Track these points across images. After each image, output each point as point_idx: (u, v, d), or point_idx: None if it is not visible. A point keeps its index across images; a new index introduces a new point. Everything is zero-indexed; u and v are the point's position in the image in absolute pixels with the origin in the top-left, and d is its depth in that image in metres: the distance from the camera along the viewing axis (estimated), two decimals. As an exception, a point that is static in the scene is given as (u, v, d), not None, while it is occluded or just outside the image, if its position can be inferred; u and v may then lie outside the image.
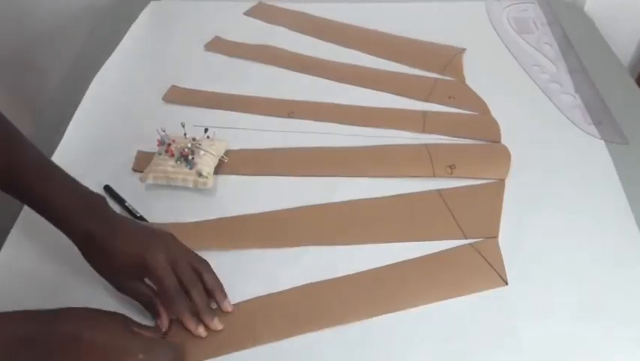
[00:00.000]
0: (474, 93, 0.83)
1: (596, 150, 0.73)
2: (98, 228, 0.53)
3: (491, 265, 0.60)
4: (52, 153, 0.73)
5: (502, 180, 0.69)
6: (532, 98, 0.82)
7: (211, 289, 0.55)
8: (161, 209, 0.67)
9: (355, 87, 0.85)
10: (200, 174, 0.68)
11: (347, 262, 0.61)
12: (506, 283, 0.58)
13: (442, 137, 0.76)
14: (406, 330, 0.55)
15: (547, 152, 0.73)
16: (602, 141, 0.74)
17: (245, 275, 0.60)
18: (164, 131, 0.71)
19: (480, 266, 0.60)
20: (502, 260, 0.60)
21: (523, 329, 0.54)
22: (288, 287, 0.58)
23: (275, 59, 0.91)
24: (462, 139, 0.75)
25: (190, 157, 0.68)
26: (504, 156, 0.72)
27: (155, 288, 0.55)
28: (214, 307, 0.56)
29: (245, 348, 0.53)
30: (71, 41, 1.01)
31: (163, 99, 0.83)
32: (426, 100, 0.82)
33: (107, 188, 0.68)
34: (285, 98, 0.83)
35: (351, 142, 0.75)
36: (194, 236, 0.62)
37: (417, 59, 0.90)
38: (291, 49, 0.93)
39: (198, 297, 0.54)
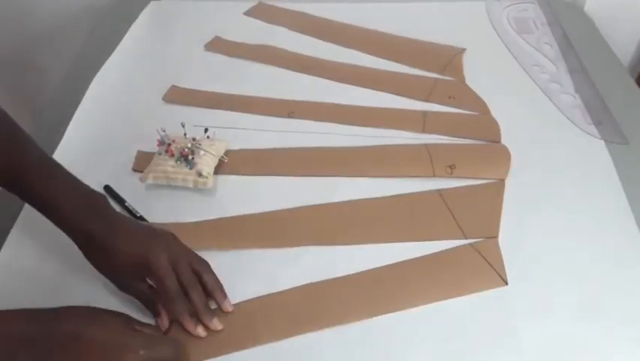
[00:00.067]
0: (474, 93, 0.83)
1: (596, 150, 0.73)
2: (98, 227, 0.53)
3: (491, 265, 0.60)
4: (52, 153, 0.73)
5: (502, 180, 0.69)
6: (532, 98, 0.82)
7: (211, 290, 0.55)
8: (161, 209, 0.67)
9: (355, 87, 0.85)
10: (200, 174, 0.68)
11: (347, 262, 0.61)
12: (506, 283, 0.58)
13: (442, 137, 0.76)
14: (406, 330, 0.55)
15: (547, 152, 0.73)
16: (602, 141, 0.74)
17: (245, 275, 0.60)
18: (164, 131, 0.71)
19: (480, 266, 0.60)
20: (502, 260, 0.60)
21: (523, 329, 0.54)
22: (288, 287, 0.58)
23: (275, 59, 0.91)
24: (462, 139, 0.75)
25: (190, 157, 0.68)
26: (504, 156, 0.72)
27: (155, 287, 0.55)
28: (214, 307, 0.56)
29: (245, 348, 0.53)
30: (71, 41, 1.01)
31: (163, 99, 0.83)
32: (426, 100, 0.82)
33: (107, 188, 0.68)
34: (285, 98, 0.83)
35: (351, 142, 0.75)
36: (194, 236, 0.62)
37: (417, 59, 0.90)
38: (291, 49, 0.93)
39: (197, 298, 0.54)
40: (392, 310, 0.56)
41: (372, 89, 0.84)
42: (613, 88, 0.83)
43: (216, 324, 0.54)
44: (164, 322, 0.54)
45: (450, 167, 0.70)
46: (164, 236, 0.56)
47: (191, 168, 0.68)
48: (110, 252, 0.53)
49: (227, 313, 0.56)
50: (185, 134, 0.71)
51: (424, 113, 0.80)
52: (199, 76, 0.87)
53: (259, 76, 0.88)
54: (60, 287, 0.59)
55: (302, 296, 0.58)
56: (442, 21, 1.00)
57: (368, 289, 0.58)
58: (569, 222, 0.64)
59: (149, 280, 0.55)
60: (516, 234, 0.63)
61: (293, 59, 0.91)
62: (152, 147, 0.71)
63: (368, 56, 0.92)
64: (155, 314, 0.55)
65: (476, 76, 0.86)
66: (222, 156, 0.71)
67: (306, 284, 0.59)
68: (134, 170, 0.72)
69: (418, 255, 0.61)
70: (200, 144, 0.70)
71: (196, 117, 0.77)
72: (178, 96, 0.84)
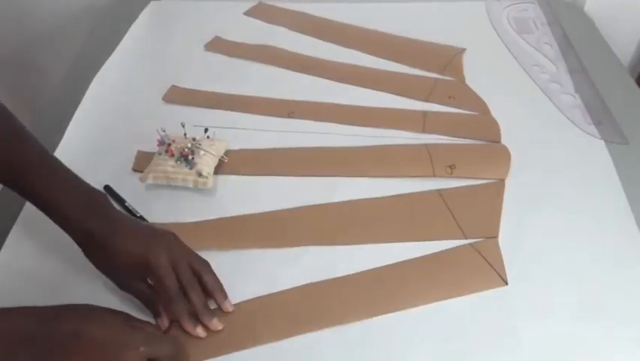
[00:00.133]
0: (474, 93, 0.83)
1: (596, 150, 0.73)
2: (98, 226, 0.53)
3: (491, 265, 0.60)
4: (52, 153, 0.72)
5: (502, 180, 0.69)
6: (532, 98, 0.82)
7: (211, 290, 0.55)
8: (161, 209, 0.67)
9: (355, 87, 0.85)
10: (200, 174, 0.68)
11: (347, 262, 0.61)
12: (506, 283, 0.58)
13: (442, 137, 0.76)
14: (406, 330, 0.55)
15: (547, 152, 0.73)
16: (602, 141, 0.74)
17: (245, 275, 0.60)
18: (164, 131, 0.71)
19: (480, 266, 0.60)
20: (502, 260, 0.60)
21: (523, 329, 0.54)
22: (288, 287, 0.58)
23: (275, 59, 0.91)
24: (462, 139, 0.75)
25: (190, 157, 0.68)
26: (504, 156, 0.72)
27: (155, 287, 0.55)
28: (214, 307, 0.56)
29: (245, 348, 0.53)
30: (71, 41, 1.01)
31: (163, 99, 0.83)
32: (426, 100, 0.82)
33: (107, 188, 0.68)
34: (285, 98, 0.83)
35: (351, 142, 0.75)
36: (194, 236, 0.62)
37: (417, 59, 0.90)
38: (291, 49, 0.93)
39: (196, 298, 0.54)
40: (392, 310, 0.56)
41: (372, 89, 0.84)
42: (613, 88, 0.83)
43: (216, 324, 0.54)
44: (164, 322, 0.54)
45: (450, 167, 0.70)
46: (165, 236, 0.56)
47: (191, 168, 0.68)
48: (110, 251, 0.53)
49: (228, 313, 0.56)
50: (185, 135, 0.71)
51: (424, 113, 0.80)
52: (199, 76, 0.87)
53: (259, 76, 0.88)
54: (60, 287, 0.59)
55: (302, 296, 0.58)
56: (442, 21, 1.00)
57: (368, 289, 0.58)
58: (569, 222, 0.64)
59: (149, 280, 0.55)
60: (516, 234, 0.63)
61: (293, 59, 0.91)
62: (152, 147, 0.71)
63: (368, 56, 0.92)
64: (155, 314, 0.55)
65: (476, 76, 0.86)
66: (222, 156, 0.71)
67: (306, 284, 0.59)
68: (134, 170, 0.72)
69: (418, 255, 0.61)
70: (200, 144, 0.70)
71: (196, 117, 0.77)
72: (178, 96, 0.84)
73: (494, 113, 0.79)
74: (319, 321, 0.55)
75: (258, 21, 1.01)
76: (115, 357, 0.45)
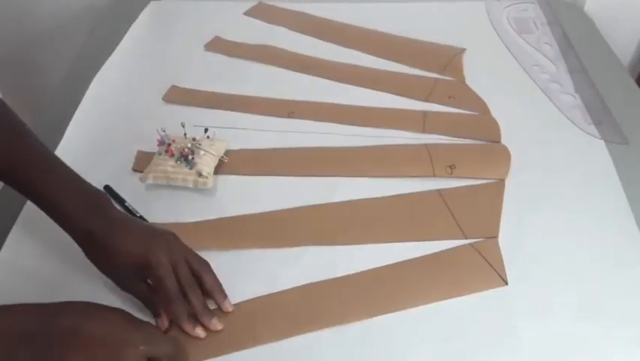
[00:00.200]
0: (474, 93, 0.83)
1: (596, 150, 0.73)
2: (99, 226, 0.53)
3: (491, 265, 0.60)
4: (52, 153, 0.73)
5: (502, 180, 0.69)
6: (532, 98, 0.82)
7: (211, 290, 0.55)
8: (161, 209, 0.67)
9: (355, 87, 0.85)
10: (200, 174, 0.68)
11: (347, 262, 0.61)
12: (506, 283, 0.58)
13: (442, 137, 0.76)
14: (406, 330, 0.55)
15: (547, 152, 0.73)
16: (602, 141, 0.74)
17: (245, 275, 0.60)
18: (164, 131, 0.71)
19: (480, 266, 0.60)
20: (502, 260, 0.60)
21: (523, 329, 0.54)
22: (288, 287, 0.58)
23: (275, 59, 0.91)
24: (462, 139, 0.75)
25: (190, 157, 0.68)
26: (504, 156, 0.72)
27: (155, 287, 0.55)
28: (214, 307, 0.56)
29: (245, 348, 0.53)
30: (71, 41, 1.01)
31: (163, 99, 0.83)
32: (426, 100, 0.82)
33: (107, 188, 0.68)
34: (285, 98, 0.83)
35: (351, 142, 0.75)
36: (194, 236, 0.62)
37: (417, 59, 0.90)
38: (291, 49, 0.93)
39: (195, 299, 0.54)
40: (392, 310, 0.56)
41: (372, 89, 0.84)
42: (613, 88, 0.83)
43: (216, 324, 0.54)
44: (164, 322, 0.54)
45: (450, 167, 0.70)
46: (165, 236, 0.55)
47: (191, 168, 0.68)
48: (111, 251, 0.53)
49: (227, 313, 0.56)
50: (185, 135, 0.71)
51: (424, 113, 0.80)
52: (199, 76, 0.87)
53: (259, 76, 0.88)
54: (60, 286, 0.59)
55: (302, 296, 0.58)
56: (442, 21, 1.00)
57: (368, 289, 0.58)
58: (569, 222, 0.64)
59: (149, 280, 0.55)
60: (516, 234, 0.63)
61: (293, 59, 0.91)
62: (152, 147, 0.71)
63: (368, 56, 0.92)
64: (155, 314, 0.55)
65: (476, 76, 0.86)
66: (222, 156, 0.71)
67: (306, 284, 0.59)
68: (134, 170, 0.72)
69: (418, 255, 0.61)
70: (200, 144, 0.70)
71: (196, 117, 0.77)
72: (178, 96, 0.84)
73: (494, 113, 0.79)
74: (319, 321, 0.55)
75: (258, 21, 1.01)
76: (115, 354, 0.45)
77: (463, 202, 0.67)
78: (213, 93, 0.84)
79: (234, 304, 0.56)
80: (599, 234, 0.63)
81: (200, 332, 0.53)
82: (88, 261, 0.55)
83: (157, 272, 0.53)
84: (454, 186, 0.69)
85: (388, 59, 0.91)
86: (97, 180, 0.63)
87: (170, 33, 0.99)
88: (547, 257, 0.61)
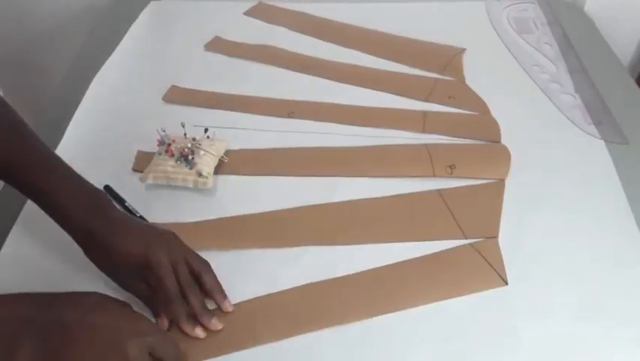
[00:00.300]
0: (474, 93, 0.83)
1: (596, 150, 0.73)
2: (99, 225, 0.53)
3: (491, 265, 0.60)
4: (52, 152, 0.73)
5: (502, 180, 0.69)
6: (532, 98, 0.82)
7: (210, 290, 0.55)
8: (161, 209, 0.67)
9: (355, 87, 0.85)
10: (200, 174, 0.68)
11: (347, 262, 0.61)
12: (506, 283, 0.58)
13: (442, 137, 0.76)
14: (406, 330, 0.55)
15: (547, 152, 0.73)
16: (602, 141, 0.74)
17: (245, 275, 0.60)
18: (164, 131, 0.71)
19: (480, 266, 0.60)
20: (502, 260, 0.60)
21: (523, 329, 0.54)
22: (288, 287, 0.58)
23: (275, 59, 0.91)
24: (462, 139, 0.75)
25: (190, 157, 0.68)
26: (504, 156, 0.72)
27: (154, 287, 0.54)
28: (214, 307, 0.56)
29: (245, 348, 0.53)
30: (71, 41, 1.01)
31: (163, 99, 0.83)
32: (426, 100, 0.82)
33: (107, 188, 0.68)
34: (285, 98, 0.83)
35: (351, 142, 0.75)
36: (194, 236, 0.62)
37: (417, 59, 0.90)
38: (291, 49, 0.93)
39: (194, 299, 0.54)
40: (392, 310, 0.56)
41: (372, 89, 0.84)
42: (613, 88, 0.83)
43: (215, 324, 0.54)
44: (164, 322, 0.54)
45: (450, 167, 0.70)
46: (165, 235, 0.55)
47: (191, 168, 0.68)
48: (111, 250, 0.53)
49: (227, 313, 0.56)
50: (185, 135, 0.71)
51: (424, 113, 0.80)
52: (199, 76, 0.87)
53: (259, 76, 0.88)
54: (61, 286, 0.58)
55: (302, 296, 0.58)
56: (442, 21, 1.00)
57: (368, 289, 0.58)
58: (569, 222, 0.64)
59: (149, 280, 0.55)
60: (516, 234, 0.63)
61: (293, 59, 0.91)
62: (152, 147, 0.71)
63: (368, 56, 0.92)
64: (156, 314, 0.55)
65: (476, 76, 0.86)
66: (222, 156, 0.71)
67: (306, 284, 0.59)
68: (134, 170, 0.72)
69: (418, 255, 0.61)
70: (200, 144, 0.70)
71: (196, 117, 0.77)
72: (178, 96, 0.84)
73: (494, 113, 0.79)
74: (319, 321, 0.55)
75: (258, 21, 1.01)
76: (120, 344, 0.45)
77: (463, 202, 0.67)
78: (213, 93, 0.84)
79: (234, 304, 0.56)
80: (599, 234, 0.63)
81: (199, 332, 0.53)
82: (88, 260, 0.55)
83: (157, 272, 0.53)
84: (454, 186, 0.69)
85: (388, 59, 0.91)
86: (97, 180, 0.63)
87: (170, 33, 0.99)
88: (547, 257, 0.61)
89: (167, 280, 0.53)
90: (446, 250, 0.62)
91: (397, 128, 0.77)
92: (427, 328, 0.55)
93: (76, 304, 0.47)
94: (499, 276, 0.59)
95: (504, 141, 0.75)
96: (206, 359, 0.52)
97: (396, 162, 0.72)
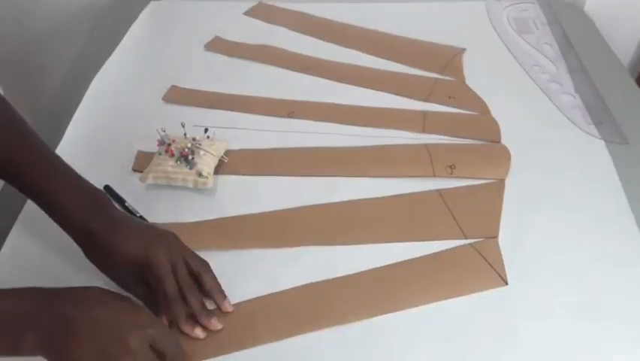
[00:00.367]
0: (474, 93, 0.83)
1: (596, 150, 0.73)
2: (99, 225, 0.53)
3: (491, 265, 0.60)
4: (52, 152, 0.73)
5: (502, 180, 0.69)
6: (532, 98, 0.82)
7: (210, 291, 0.55)
8: (161, 209, 0.67)
9: (355, 87, 0.85)
10: (200, 174, 0.68)
11: (347, 262, 0.61)
12: (506, 283, 0.58)
13: (442, 137, 0.76)
14: (406, 330, 0.55)
15: (547, 152, 0.73)
16: (602, 141, 0.74)
17: (245, 275, 0.60)
18: (164, 131, 0.71)
19: (480, 266, 0.60)
20: (502, 260, 0.60)
21: (523, 329, 0.54)
22: (288, 287, 0.58)
23: (275, 59, 0.91)
24: (462, 139, 0.75)
25: (190, 157, 0.68)
26: (504, 156, 0.72)
27: (154, 287, 0.54)
28: (213, 307, 0.56)
29: (245, 348, 0.53)
30: (71, 41, 1.01)
31: (163, 99, 0.83)
32: (426, 100, 0.82)
33: (107, 188, 0.68)
34: (285, 98, 0.83)
35: (351, 142, 0.75)
36: (194, 236, 0.62)
37: (417, 59, 0.90)
38: (291, 49, 0.93)
39: (194, 300, 0.54)
40: (392, 310, 0.56)
41: (372, 89, 0.84)
42: (613, 88, 0.83)
43: (215, 324, 0.54)
44: (164, 322, 0.54)
45: (450, 167, 0.70)
46: (165, 236, 0.55)
47: (191, 168, 0.68)
48: (110, 251, 0.53)
49: (227, 313, 0.56)
50: (185, 135, 0.71)
51: (424, 113, 0.80)
52: (199, 76, 0.87)
53: (259, 76, 0.88)
54: (61, 286, 0.58)
55: (302, 296, 0.58)
56: (442, 21, 1.00)
57: (368, 289, 0.58)
58: (569, 222, 0.64)
59: (148, 280, 0.55)
60: (516, 234, 0.63)
61: (293, 59, 0.91)
62: (152, 147, 0.71)
63: (368, 56, 0.92)
64: (155, 314, 0.54)
65: (476, 76, 0.86)
66: (222, 156, 0.71)
67: (306, 284, 0.59)
68: (134, 170, 0.72)
69: (418, 255, 0.61)
70: (200, 144, 0.70)
71: (196, 117, 0.77)
72: (178, 96, 0.84)
73: (494, 113, 0.79)
74: (319, 321, 0.55)
75: (258, 21, 1.01)
76: (122, 337, 0.45)
77: (463, 202, 0.67)
78: (213, 93, 0.84)
79: (234, 304, 0.56)
80: (599, 234, 0.63)
81: (199, 332, 0.53)
82: (88, 260, 0.55)
83: (157, 273, 0.53)
84: (454, 186, 0.69)
85: (388, 59, 0.91)
86: (97, 180, 0.63)
87: (170, 33, 0.99)
88: (547, 257, 0.61)
89: (166, 280, 0.53)
90: (446, 250, 0.62)
91: (397, 128, 0.77)
92: (427, 328, 0.55)
93: (77, 299, 0.47)
94: (499, 276, 0.59)
95: (504, 141, 0.75)
96: (206, 359, 0.52)
97: (396, 162, 0.72)
